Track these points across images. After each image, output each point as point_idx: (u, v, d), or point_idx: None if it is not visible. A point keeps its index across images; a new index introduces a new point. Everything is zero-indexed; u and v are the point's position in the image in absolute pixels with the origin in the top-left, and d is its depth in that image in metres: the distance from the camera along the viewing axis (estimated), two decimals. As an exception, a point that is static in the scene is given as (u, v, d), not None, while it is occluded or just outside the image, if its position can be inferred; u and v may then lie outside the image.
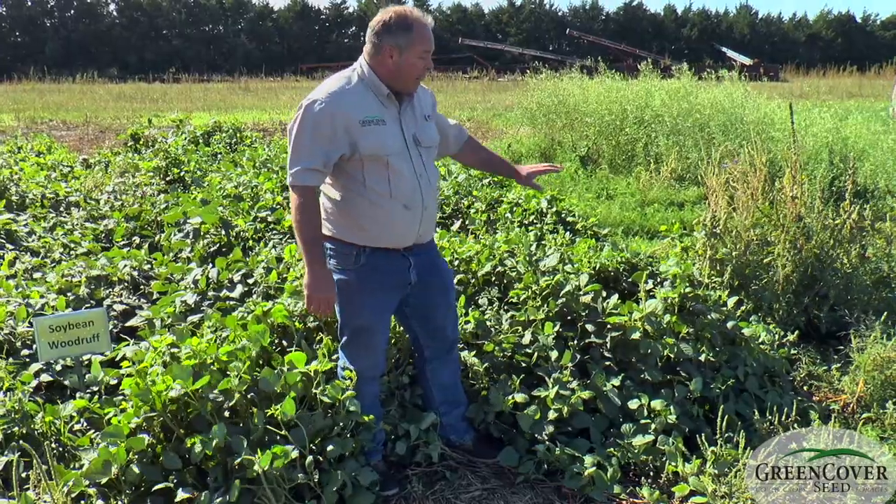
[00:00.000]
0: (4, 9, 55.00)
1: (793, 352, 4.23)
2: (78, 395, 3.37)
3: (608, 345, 3.58)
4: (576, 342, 3.64)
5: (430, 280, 3.11)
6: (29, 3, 55.85)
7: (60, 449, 3.06)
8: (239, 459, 2.61)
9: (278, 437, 2.77)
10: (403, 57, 2.82)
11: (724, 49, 51.42)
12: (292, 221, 2.88)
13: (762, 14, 78.18)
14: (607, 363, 3.56)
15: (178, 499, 2.60)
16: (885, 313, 4.16)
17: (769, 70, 40.66)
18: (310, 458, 2.71)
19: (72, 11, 57.21)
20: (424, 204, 2.94)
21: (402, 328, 3.50)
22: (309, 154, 2.79)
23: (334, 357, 3.18)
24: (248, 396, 2.86)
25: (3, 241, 5.59)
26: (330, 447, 2.80)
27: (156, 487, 2.63)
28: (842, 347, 4.21)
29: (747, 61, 43.03)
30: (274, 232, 5.54)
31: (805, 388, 4.00)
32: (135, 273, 4.74)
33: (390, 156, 2.84)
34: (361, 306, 2.98)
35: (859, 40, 66.97)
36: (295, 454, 2.66)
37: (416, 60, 2.83)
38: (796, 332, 4.20)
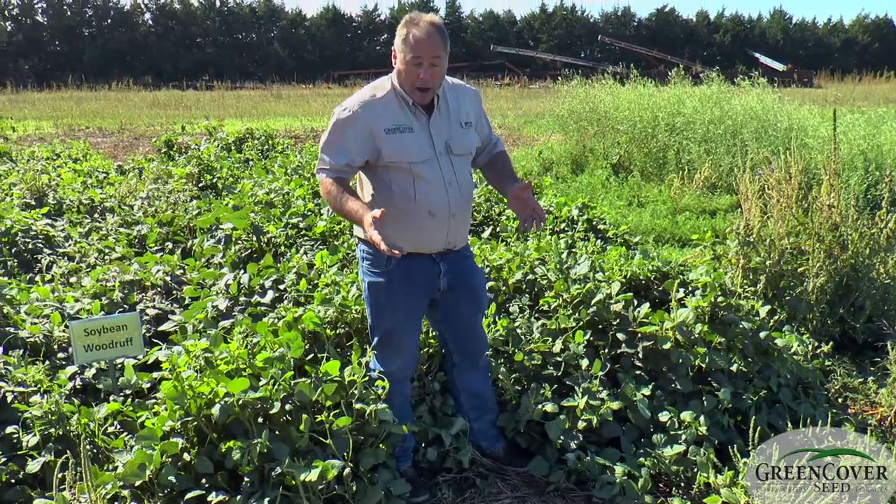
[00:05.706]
0: (46, 19, 56.09)
1: (827, 363, 4.16)
2: (111, 398, 3.42)
3: (639, 354, 3.56)
4: (607, 351, 3.62)
5: (462, 286, 3.11)
6: (68, 13, 56.88)
7: (94, 451, 3.10)
8: (280, 469, 2.63)
9: (316, 447, 2.79)
10: (401, 62, 2.80)
11: (757, 55, 50.78)
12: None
13: (796, 19, 76.88)
14: (638, 372, 3.53)
15: (211, 502, 2.63)
16: (924, 325, 4.08)
17: (803, 76, 40.11)
18: (347, 469, 2.73)
19: (109, 21, 58.13)
20: (451, 211, 2.92)
21: (434, 333, 3.52)
22: (334, 153, 2.85)
23: (364, 361, 3.18)
24: (286, 405, 2.88)
25: (41, 245, 5.70)
26: (365, 458, 2.83)
27: (189, 496, 2.65)
28: (879, 359, 4.14)
29: (781, 67, 42.49)
30: (305, 238, 5.58)
31: (840, 400, 3.94)
32: (167, 278, 4.80)
33: (413, 164, 2.84)
34: (392, 309, 3.01)
35: (897, 45, 65.79)
36: (339, 465, 2.68)
37: (410, 67, 2.77)
38: (830, 343, 4.13)
